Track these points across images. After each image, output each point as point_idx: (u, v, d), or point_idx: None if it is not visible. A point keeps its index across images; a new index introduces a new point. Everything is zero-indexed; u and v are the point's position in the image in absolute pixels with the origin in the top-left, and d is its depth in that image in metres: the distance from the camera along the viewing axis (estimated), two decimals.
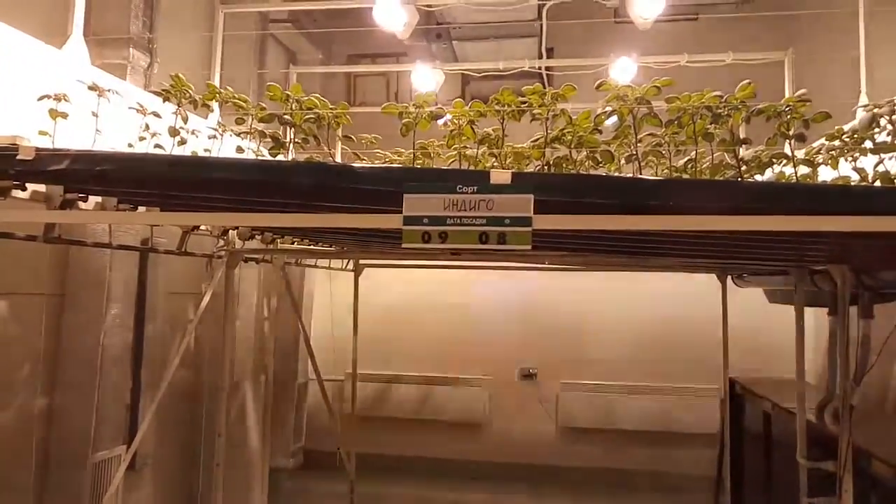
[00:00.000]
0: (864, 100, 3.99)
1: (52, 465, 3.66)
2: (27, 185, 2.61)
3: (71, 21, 3.06)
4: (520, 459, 6.76)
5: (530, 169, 2.33)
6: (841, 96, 4.48)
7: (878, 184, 1.92)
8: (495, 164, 2.30)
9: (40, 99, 2.49)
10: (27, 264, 3.48)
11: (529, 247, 1.81)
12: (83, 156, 2.21)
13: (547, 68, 6.09)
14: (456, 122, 2.29)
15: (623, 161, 2.21)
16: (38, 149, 2.26)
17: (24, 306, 3.47)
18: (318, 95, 2.30)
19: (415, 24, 3.82)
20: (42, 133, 2.50)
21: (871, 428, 3.77)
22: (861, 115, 1.92)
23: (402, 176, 2.03)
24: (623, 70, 4.83)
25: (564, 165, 2.25)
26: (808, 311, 4.03)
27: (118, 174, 2.20)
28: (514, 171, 2.01)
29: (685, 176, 2.13)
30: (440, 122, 2.37)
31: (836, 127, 2.03)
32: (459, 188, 1.88)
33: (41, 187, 2.75)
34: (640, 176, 2.11)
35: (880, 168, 1.91)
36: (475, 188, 1.87)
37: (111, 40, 3.88)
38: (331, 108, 2.27)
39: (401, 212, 1.86)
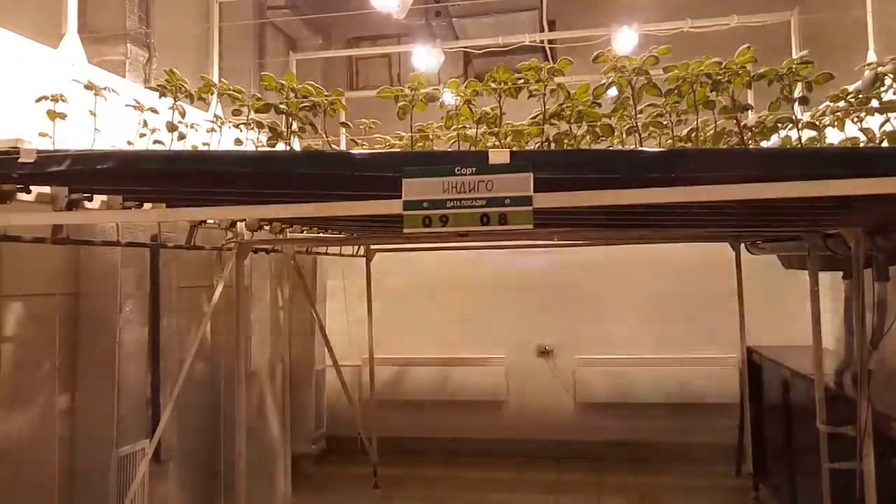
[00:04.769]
0: (871, 57, 3.88)
1: (77, 462, 3.72)
2: (31, 187, 2.63)
3: (65, 20, 3.04)
4: (540, 436, 6.79)
5: (530, 146, 2.30)
6: (852, 56, 4.36)
7: (885, 144, 1.87)
8: (495, 143, 2.27)
9: (38, 100, 2.49)
10: (39, 265, 3.52)
11: (531, 226, 1.79)
12: (83, 156, 2.22)
13: (549, 41, 5.98)
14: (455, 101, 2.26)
15: (624, 134, 2.17)
16: (38, 151, 2.27)
17: (38, 307, 3.52)
18: (312, 83, 2.28)
19: (410, 4, 3.77)
20: (42, 135, 2.51)
21: (890, 391, 3.73)
22: (865, 74, 1.87)
23: (400, 160, 2.02)
24: (626, 39, 4.73)
25: (565, 141, 2.21)
26: (825, 276, 3.97)
27: (118, 172, 2.21)
28: (512, 149, 1.98)
29: (688, 145, 2.09)
30: (444, 100, 2.33)
31: (841, 88, 1.98)
32: (458, 170, 1.86)
33: (46, 189, 2.77)
34: (640, 147, 2.08)
35: (887, 127, 1.86)
36: (474, 169, 1.85)
37: (108, 37, 3.88)
38: (326, 96, 2.25)
39: (400, 197, 1.85)
